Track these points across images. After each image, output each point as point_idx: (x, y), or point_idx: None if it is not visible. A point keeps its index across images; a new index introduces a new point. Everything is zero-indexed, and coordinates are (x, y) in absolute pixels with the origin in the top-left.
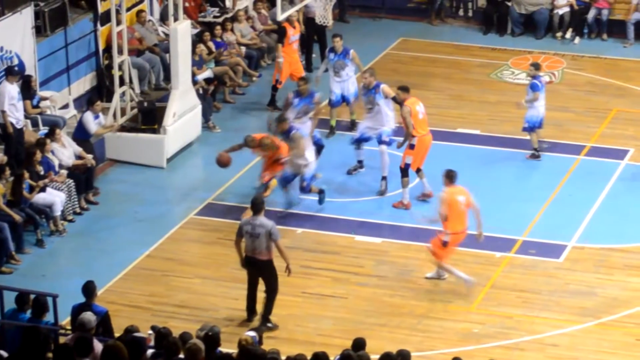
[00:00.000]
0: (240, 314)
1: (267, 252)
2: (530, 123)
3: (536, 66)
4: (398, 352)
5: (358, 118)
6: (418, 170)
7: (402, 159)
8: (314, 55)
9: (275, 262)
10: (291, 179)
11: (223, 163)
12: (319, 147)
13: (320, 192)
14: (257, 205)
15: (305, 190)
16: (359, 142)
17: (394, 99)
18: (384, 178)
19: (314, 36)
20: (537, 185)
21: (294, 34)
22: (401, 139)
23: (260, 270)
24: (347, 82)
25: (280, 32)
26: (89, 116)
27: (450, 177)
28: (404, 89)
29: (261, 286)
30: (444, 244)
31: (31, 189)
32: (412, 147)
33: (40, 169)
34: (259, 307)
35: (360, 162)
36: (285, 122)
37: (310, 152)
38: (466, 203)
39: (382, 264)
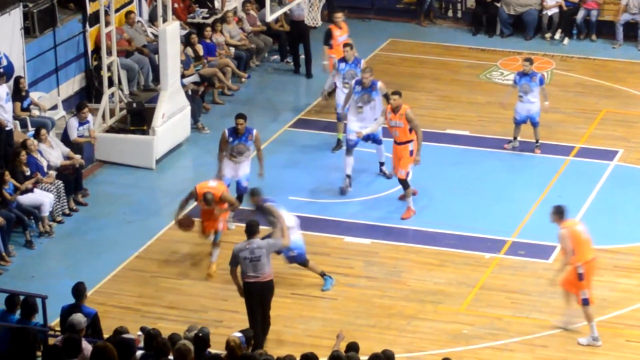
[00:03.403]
0: (229, 315)
1: (269, 271)
2: (539, 116)
3: (530, 61)
4: (382, 353)
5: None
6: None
7: (403, 169)
8: (302, 56)
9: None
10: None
11: (186, 227)
12: (240, 195)
13: (323, 275)
14: (252, 228)
15: (298, 260)
16: (353, 147)
17: (385, 96)
18: (382, 163)
19: (299, 38)
20: (526, 186)
21: (340, 35)
22: (390, 139)
23: (266, 292)
24: None
25: (326, 34)
26: (73, 122)
27: (561, 212)
28: (400, 94)
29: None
30: (580, 276)
31: (16, 190)
32: (412, 153)
33: (26, 170)
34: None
35: (349, 176)
36: (258, 195)
37: (289, 218)
38: (585, 231)
39: (372, 264)
